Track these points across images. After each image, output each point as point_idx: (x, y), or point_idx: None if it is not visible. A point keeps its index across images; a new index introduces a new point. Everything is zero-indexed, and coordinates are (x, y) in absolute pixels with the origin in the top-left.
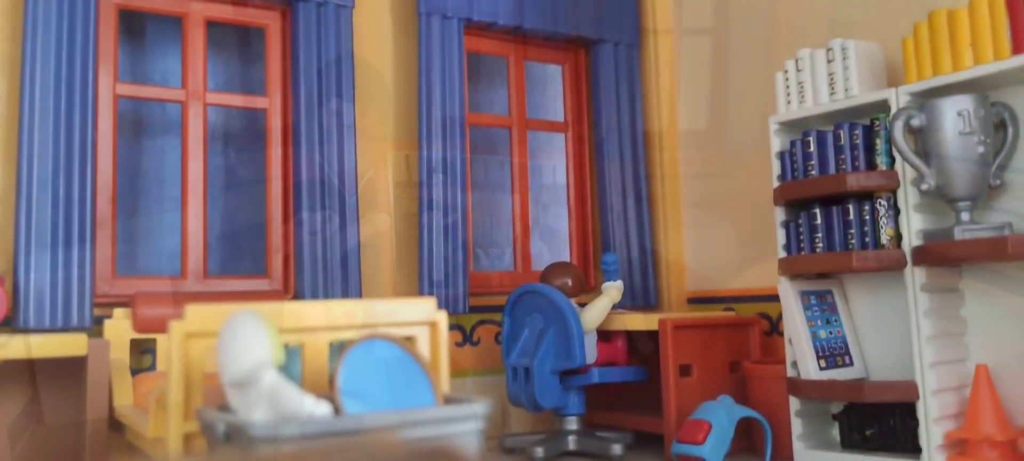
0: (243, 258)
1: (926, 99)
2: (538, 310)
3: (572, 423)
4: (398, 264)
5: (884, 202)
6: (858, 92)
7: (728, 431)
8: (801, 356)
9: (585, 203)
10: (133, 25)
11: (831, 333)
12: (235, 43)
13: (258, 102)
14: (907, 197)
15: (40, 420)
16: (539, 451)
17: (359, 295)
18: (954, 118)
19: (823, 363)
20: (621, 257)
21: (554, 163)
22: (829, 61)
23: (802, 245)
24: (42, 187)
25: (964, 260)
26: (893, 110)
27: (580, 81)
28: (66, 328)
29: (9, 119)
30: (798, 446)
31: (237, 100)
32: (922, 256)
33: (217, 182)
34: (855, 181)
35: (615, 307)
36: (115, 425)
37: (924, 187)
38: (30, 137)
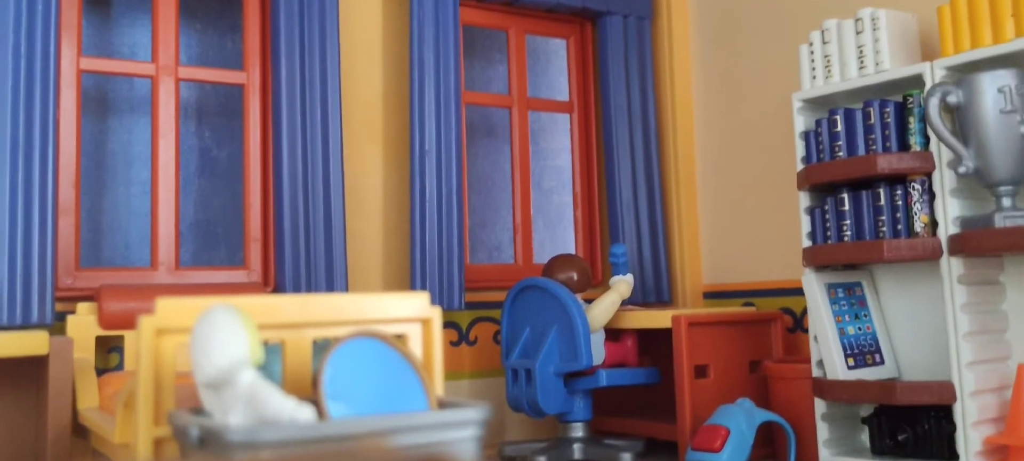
0: (219, 248)
1: (964, 74)
2: (540, 306)
3: (578, 430)
4: (388, 255)
5: (918, 186)
6: (890, 66)
7: (748, 437)
8: (827, 354)
9: (591, 189)
10: None
11: (860, 329)
12: (210, 12)
13: (235, 77)
14: (943, 181)
15: None
16: (542, 460)
17: (345, 288)
18: (994, 95)
19: (851, 362)
20: (631, 248)
21: (558, 146)
22: (858, 32)
23: (828, 233)
24: None
25: (1005, 250)
26: (928, 86)
27: (586, 56)
28: (25, 325)
29: None
30: (824, 452)
31: (212, 75)
32: (959, 245)
33: (190, 164)
34: (886, 163)
35: (624, 303)
36: (79, 430)
37: (962, 170)
38: None
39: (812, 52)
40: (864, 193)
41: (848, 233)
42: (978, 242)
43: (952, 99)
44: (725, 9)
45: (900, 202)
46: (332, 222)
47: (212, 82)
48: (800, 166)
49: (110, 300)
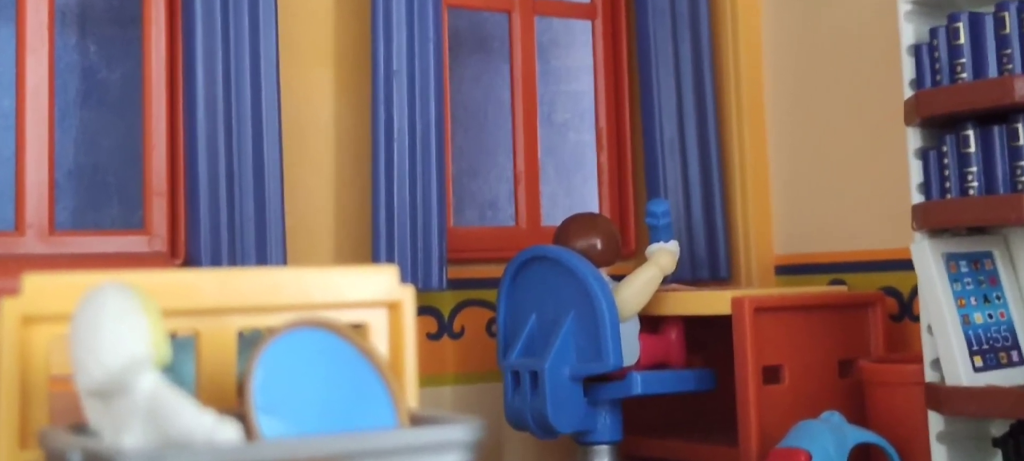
0: (109, 204)
1: None
2: (551, 286)
3: (602, 454)
4: (341, 216)
5: None
6: None
7: None
8: (946, 351)
9: (621, 124)
10: None
11: (991, 316)
12: None
13: None
14: None
15: None
16: None
17: (283, 261)
18: None
19: (979, 362)
20: (676, 205)
21: (575, 64)
22: None
23: (947, 185)
24: None
25: None
26: None
27: None
28: None
29: None
30: None
31: None
32: None
33: (70, 90)
34: None
35: (667, 280)
36: None
37: None
38: None
39: None
40: (996, 129)
41: (974, 184)
42: None
43: None
44: None
45: None
46: (265, 170)
47: None
48: (908, 93)
49: None
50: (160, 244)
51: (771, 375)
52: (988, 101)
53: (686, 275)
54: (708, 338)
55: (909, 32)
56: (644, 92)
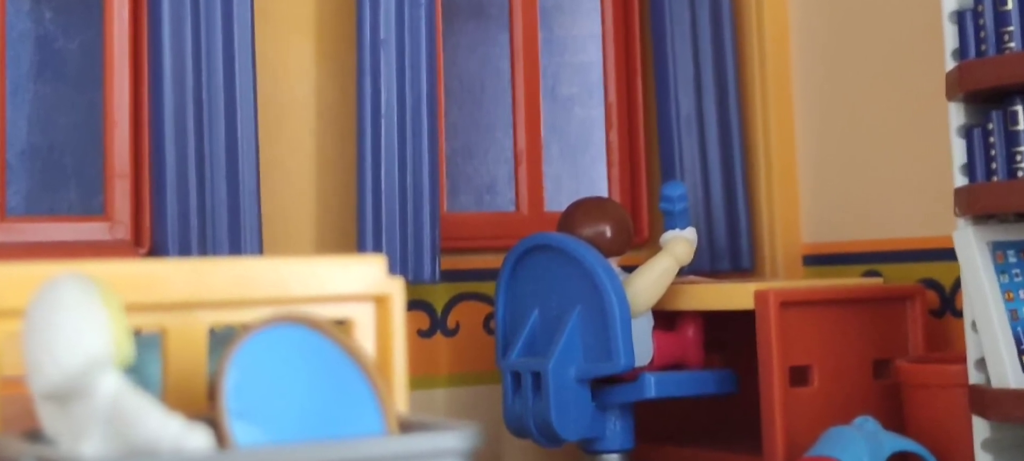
0: (66, 187)
1: None
2: (555, 278)
3: None
4: (323, 201)
5: None
6: None
7: None
8: (992, 350)
9: (633, 99)
10: None
11: None
12: None
13: None
14: None
15: None
16: None
17: (259, 250)
18: None
19: None
20: (693, 189)
21: (582, 32)
22: None
23: (994, 166)
24: None
25: None
26: None
27: None
28: None
29: None
30: None
31: None
32: None
33: (22, 61)
34: None
35: (683, 271)
36: None
37: None
38: None
39: None
40: None
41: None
42: None
43: None
44: None
45: None
46: (239, 150)
47: None
48: (950, 64)
49: None
50: (123, 231)
51: (799, 376)
52: None
53: (705, 266)
54: (729, 336)
55: None
56: (658, 63)
